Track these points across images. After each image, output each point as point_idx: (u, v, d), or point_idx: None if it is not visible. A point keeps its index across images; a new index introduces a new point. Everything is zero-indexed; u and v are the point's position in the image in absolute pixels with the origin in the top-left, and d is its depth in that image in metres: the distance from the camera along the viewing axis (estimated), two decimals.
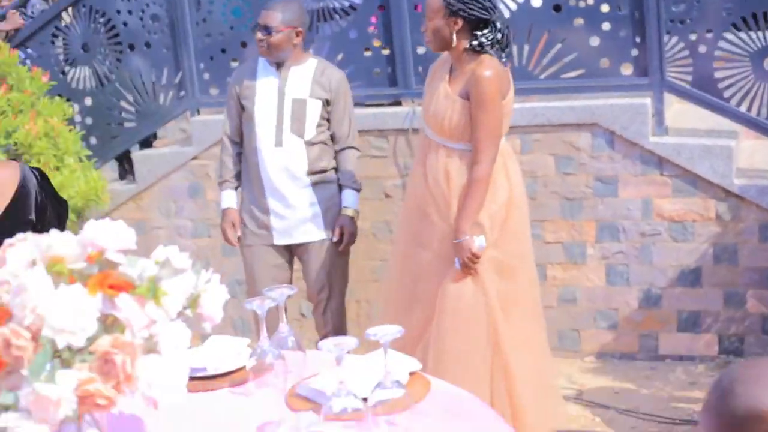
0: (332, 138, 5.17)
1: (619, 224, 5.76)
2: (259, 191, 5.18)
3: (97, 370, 2.11)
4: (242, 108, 5.18)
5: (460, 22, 4.29)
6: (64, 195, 6.00)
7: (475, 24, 4.29)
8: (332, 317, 5.31)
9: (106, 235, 2.26)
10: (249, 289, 5.32)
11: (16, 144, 6.25)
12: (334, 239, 5.15)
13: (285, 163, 5.09)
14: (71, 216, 6.23)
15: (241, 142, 5.25)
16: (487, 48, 4.29)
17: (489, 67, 4.25)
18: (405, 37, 6.20)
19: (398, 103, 6.43)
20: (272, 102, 5.11)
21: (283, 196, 5.12)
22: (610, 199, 5.77)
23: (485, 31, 4.30)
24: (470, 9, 4.26)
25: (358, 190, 5.21)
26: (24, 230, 3.60)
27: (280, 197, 5.13)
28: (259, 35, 5.05)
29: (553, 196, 5.83)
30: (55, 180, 6.15)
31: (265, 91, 5.12)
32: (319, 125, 5.10)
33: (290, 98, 5.08)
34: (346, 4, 6.40)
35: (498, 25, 4.32)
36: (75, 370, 2.12)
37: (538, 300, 4.62)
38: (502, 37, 4.33)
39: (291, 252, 5.28)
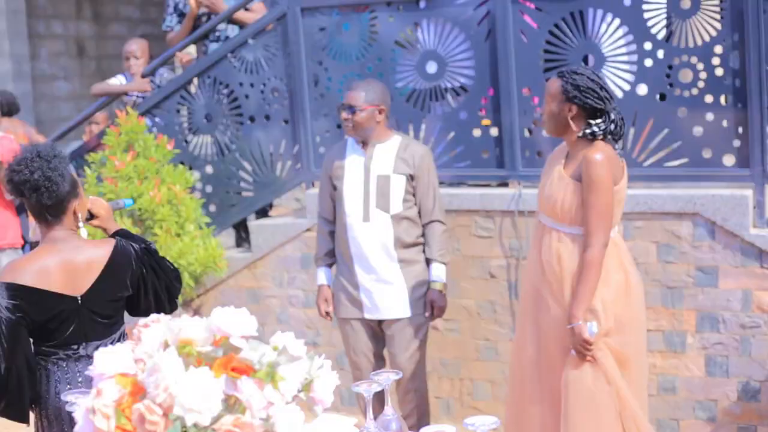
0: (419, 213, 5.36)
1: (719, 315, 5.78)
2: (350, 266, 5.41)
3: None
4: (334, 188, 5.44)
5: (575, 109, 4.43)
6: (183, 261, 6.31)
7: (590, 112, 4.44)
8: (415, 395, 5.47)
9: (231, 321, 2.46)
10: (349, 361, 5.53)
11: (140, 210, 6.57)
12: (427, 314, 5.34)
13: (372, 237, 5.31)
14: (189, 281, 6.51)
15: (334, 220, 5.49)
16: (599, 137, 4.45)
17: (601, 151, 4.37)
18: (513, 120, 6.36)
19: (505, 185, 6.56)
20: (359, 179, 5.35)
21: (372, 270, 5.34)
22: (711, 289, 5.80)
23: (599, 121, 4.44)
24: (585, 97, 4.41)
25: (444, 263, 5.37)
26: (117, 301, 3.89)
27: (368, 271, 5.36)
28: (344, 114, 5.33)
29: (654, 284, 5.88)
30: (176, 246, 6.45)
31: (353, 169, 5.37)
32: (405, 200, 5.31)
33: (375, 174, 5.31)
34: (458, 84, 6.61)
35: (612, 115, 4.46)
36: None
37: (645, 393, 4.66)
38: (616, 127, 4.46)
39: (379, 325, 5.48)
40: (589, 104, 4.41)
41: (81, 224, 3.84)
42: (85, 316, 3.80)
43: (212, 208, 7.30)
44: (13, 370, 3.71)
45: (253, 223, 7.31)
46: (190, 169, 7.12)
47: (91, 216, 3.96)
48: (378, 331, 5.49)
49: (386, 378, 3.11)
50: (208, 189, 7.35)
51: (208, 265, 6.70)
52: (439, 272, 5.35)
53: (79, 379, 3.78)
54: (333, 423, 3.39)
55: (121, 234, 3.96)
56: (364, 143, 5.38)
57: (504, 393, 6.31)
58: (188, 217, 6.70)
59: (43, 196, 3.68)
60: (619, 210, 4.51)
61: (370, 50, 6.78)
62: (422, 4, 6.61)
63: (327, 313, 5.54)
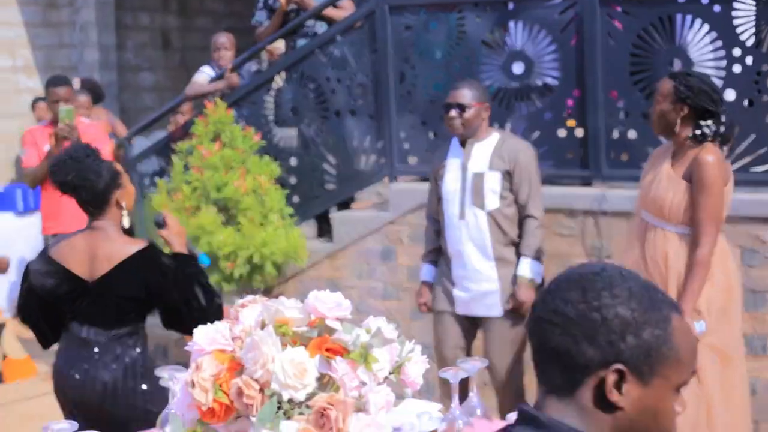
0: (517, 209, 5.38)
1: None
2: (448, 262, 5.46)
3: (313, 423, 2.40)
4: (438, 187, 5.50)
5: (687, 109, 4.46)
6: (266, 251, 6.44)
7: (700, 113, 4.47)
8: (510, 391, 5.50)
9: (327, 304, 2.55)
10: (436, 352, 5.58)
11: (225, 198, 6.71)
12: (508, 307, 5.32)
13: (468, 234, 5.35)
14: (271, 270, 6.64)
15: (439, 219, 5.55)
16: (709, 139, 4.48)
17: (712, 153, 4.41)
18: (599, 121, 6.39)
19: (588, 185, 6.59)
20: (457, 177, 5.38)
21: (467, 268, 5.36)
22: None
23: (709, 122, 4.47)
24: (698, 98, 4.44)
25: (535, 259, 5.33)
26: (128, 299, 4.01)
27: (464, 269, 5.37)
28: (453, 113, 5.31)
29: None
30: (259, 236, 6.58)
31: (452, 169, 5.41)
32: (502, 197, 5.30)
33: (471, 172, 5.34)
34: (540, 84, 6.65)
35: (722, 118, 4.49)
36: (294, 421, 2.42)
37: (747, 396, 4.66)
38: (725, 130, 4.49)
39: (473, 322, 5.51)
40: (700, 105, 4.45)
41: (125, 213, 4.03)
42: (93, 301, 3.98)
43: (295, 199, 7.41)
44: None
45: (336, 215, 7.41)
46: (275, 160, 7.24)
47: (164, 223, 4.13)
48: (469, 327, 5.50)
49: (472, 365, 3.18)
50: (292, 180, 7.46)
51: (290, 255, 6.81)
52: (524, 267, 5.30)
53: (80, 362, 4.00)
54: (418, 406, 3.49)
55: (179, 257, 4.07)
56: (464, 142, 5.41)
57: None
58: (272, 207, 6.82)
59: (81, 194, 3.95)
60: (726, 212, 4.54)
61: (457, 49, 6.85)
62: (510, 6, 6.67)
63: (424, 305, 5.61)
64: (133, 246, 3.99)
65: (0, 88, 11.71)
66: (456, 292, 5.43)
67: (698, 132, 4.48)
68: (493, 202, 5.30)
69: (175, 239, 4.12)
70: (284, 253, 6.71)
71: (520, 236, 5.36)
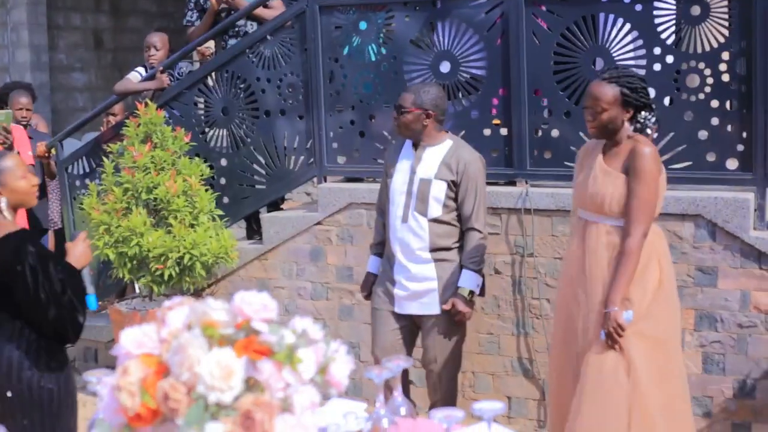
0: (458, 219, 5.43)
1: (717, 314, 5.89)
2: (390, 261, 5.53)
3: (239, 425, 2.44)
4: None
5: (632, 111, 4.59)
6: (196, 252, 6.46)
7: (639, 108, 4.61)
8: (442, 388, 5.55)
9: (253, 305, 2.59)
10: (372, 349, 5.64)
11: (156, 199, 6.70)
12: (445, 307, 5.38)
13: (408, 238, 5.41)
14: (201, 271, 6.65)
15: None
16: (647, 129, 4.59)
17: (648, 145, 4.52)
18: (523, 119, 6.48)
19: (512, 183, 6.66)
20: (405, 180, 5.44)
21: (406, 269, 5.43)
22: (709, 289, 5.90)
23: (646, 114, 4.60)
24: (641, 96, 4.58)
25: (476, 271, 5.41)
26: None
27: (403, 269, 5.45)
28: (394, 114, 5.45)
29: None
30: (189, 237, 6.59)
31: (401, 170, 5.47)
32: (445, 205, 5.37)
33: (419, 177, 5.39)
34: (469, 84, 6.72)
35: (653, 106, 4.65)
36: (221, 423, 2.46)
37: (685, 379, 4.74)
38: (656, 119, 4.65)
39: (414, 320, 5.55)
40: (642, 102, 4.57)
41: (2, 206, 4.12)
42: None
43: (225, 200, 7.43)
44: None
45: (266, 215, 7.43)
46: (205, 161, 7.24)
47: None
48: (409, 325, 5.55)
49: (396, 365, 3.24)
50: (222, 181, 7.48)
51: (220, 256, 6.82)
52: (467, 279, 5.38)
53: None
54: (344, 406, 3.54)
55: (68, 267, 4.16)
56: (416, 145, 5.47)
57: (504, 386, 6.46)
58: (202, 208, 6.82)
59: None
60: (660, 202, 4.63)
61: (386, 49, 6.91)
62: (438, 5, 6.75)
63: (366, 297, 5.75)
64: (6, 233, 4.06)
65: None
66: (395, 291, 5.49)
67: (639, 125, 4.60)
68: (435, 210, 5.37)
69: (73, 255, 4.17)
70: (214, 254, 6.72)
71: (458, 241, 5.44)
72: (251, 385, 2.53)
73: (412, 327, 5.57)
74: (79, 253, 4.19)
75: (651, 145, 4.56)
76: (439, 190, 5.36)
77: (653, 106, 4.66)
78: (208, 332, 2.54)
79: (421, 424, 3.36)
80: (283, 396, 2.52)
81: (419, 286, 5.42)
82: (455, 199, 5.39)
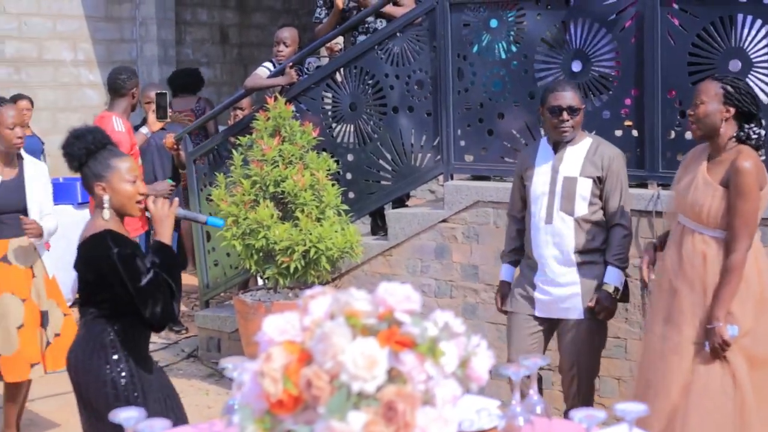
0: (604, 216, 5.34)
1: None
2: (530, 265, 5.44)
3: (381, 416, 2.43)
4: (524, 187, 5.48)
5: (732, 111, 4.49)
6: (321, 246, 6.48)
7: (744, 116, 4.50)
8: (579, 393, 5.45)
9: (396, 296, 2.58)
10: (509, 353, 5.55)
11: (283, 193, 6.76)
12: (590, 304, 5.30)
13: (554, 239, 5.32)
14: (326, 265, 6.68)
15: (523, 219, 5.53)
16: (752, 141, 4.48)
17: (749, 158, 4.42)
18: (656, 121, 6.36)
19: (643, 185, 6.56)
20: (546, 180, 5.34)
21: (550, 272, 5.34)
22: None
23: (752, 125, 4.50)
24: (745, 100, 4.48)
25: (621, 268, 5.33)
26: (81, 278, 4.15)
27: (546, 273, 5.36)
28: (566, 117, 5.28)
29: None
30: (316, 231, 6.63)
31: (542, 171, 5.37)
32: (591, 203, 5.29)
33: (562, 176, 5.30)
34: (602, 84, 6.62)
35: (763, 121, 4.54)
36: (362, 413, 2.44)
37: None
38: (765, 134, 4.54)
39: (551, 324, 5.48)
40: (746, 108, 4.46)
41: (105, 205, 4.14)
42: None
43: (351, 195, 7.45)
44: None
45: (391, 212, 7.44)
46: (332, 156, 7.27)
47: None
48: (545, 330, 5.48)
49: (534, 363, 3.19)
50: (349, 176, 7.51)
51: (345, 250, 6.85)
52: (612, 275, 5.30)
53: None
54: (479, 403, 3.50)
55: (158, 246, 4.17)
56: (556, 145, 5.38)
57: (630, 390, 6.32)
58: (329, 202, 6.86)
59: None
60: (761, 213, 4.55)
61: (516, 47, 6.85)
62: (571, 3, 6.67)
63: (501, 309, 5.62)
64: (89, 231, 4.12)
65: (62, 81, 11.89)
66: (536, 295, 5.40)
67: (742, 134, 4.50)
68: (581, 208, 5.28)
69: (159, 226, 4.19)
70: (340, 249, 6.75)
71: (603, 243, 5.35)
72: (393, 376, 2.52)
73: (548, 331, 5.50)
74: (159, 217, 4.19)
75: (753, 157, 4.46)
76: (584, 188, 5.28)
77: (763, 123, 4.54)
78: (351, 322, 2.53)
79: (557, 424, 3.31)
80: (424, 388, 2.51)
81: (562, 290, 5.34)
82: (600, 197, 5.32)
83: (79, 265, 4.15)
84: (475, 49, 7.00)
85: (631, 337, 6.36)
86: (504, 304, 5.59)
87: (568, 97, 5.28)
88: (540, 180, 5.37)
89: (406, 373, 2.49)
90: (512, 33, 6.87)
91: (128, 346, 4.11)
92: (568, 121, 5.28)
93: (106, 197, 4.12)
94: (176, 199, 4.37)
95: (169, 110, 8.02)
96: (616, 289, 5.32)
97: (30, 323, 5.84)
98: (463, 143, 7.09)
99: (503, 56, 6.92)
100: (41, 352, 5.88)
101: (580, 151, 5.34)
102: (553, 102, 5.28)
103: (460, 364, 2.64)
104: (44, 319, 5.91)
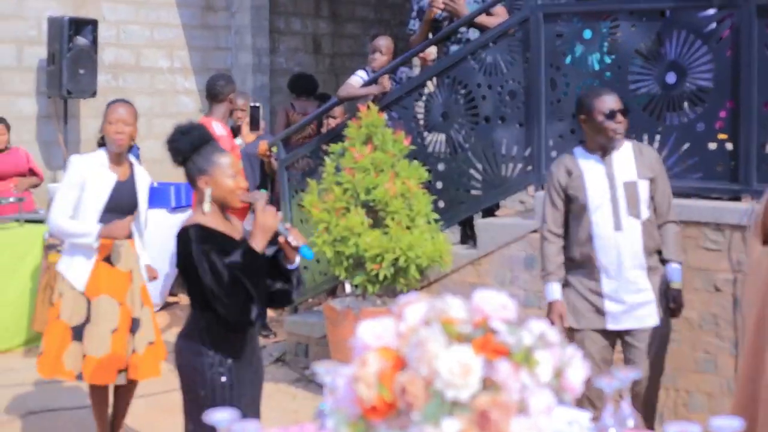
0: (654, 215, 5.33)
1: None
2: (593, 276, 5.33)
3: (475, 424, 2.44)
4: (569, 199, 5.35)
5: None
6: (411, 254, 6.50)
7: None
8: (645, 402, 5.39)
9: (492, 304, 2.59)
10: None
11: (374, 201, 6.80)
12: (672, 305, 5.29)
13: (625, 245, 5.25)
14: (415, 273, 6.70)
15: (563, 234, 5.42)
16: None
17: None
18: (752, 133, 6.29)
19: (737, 199, 6.49)
20: (604, 188, 5.27)
21: (623, 279, 5.26)
22: None
23: None
24: None
25: (679, 263, 5.35)
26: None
27: (617, 280, 5.27)
28: (620, 118, 5.23)
29: None
30: (406, 239, 6.65)
31: (594, 178, 5.29)
32: (648, 206, 5.28)
33: (621, 181, 5.26)
34: (696, 96, 6.56)
35: None
36: (456, 420, 2.46)
37: None
38: None
39: (615, 336, 5.41)
40: None
41: (206, 198, 4.25)
42: None
43: (441, 204, 7.47)
44: None
45: (481, 221, 7.45)
46: (423, 164, 7.30)
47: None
48: (613, 340, 5.42)
49: (626, 376, 3.17)
50: (439, 185, 7.53)
51: (435, 259, 6.86)
52: (675, 273, 5.31)
53: None
54: (569, 415, 3.49)
55: (245, 249, 4.18)
56: (604, 151, 5.34)
57: (719, 407, 6.25)
58: (419, 211, 6.88)
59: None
60: None
61: (610, 58, 6.82)
62: (667, 14, 6.62)
63: (566, 328, 5.43)
64: (183, 224, 4.24)
65: (159, 88, 12.11)
66: (607, 306, 5.32)
67: None
68: (645, 211, 5.26)
69: (256, 231, 4.20)
70: (429, 257, 6.77)
71: (659, 243, 5.34)
72: (487, 384, 2.53)
73: (613, 343, 5.44)
74: (261, 224, 4.24)
75: None
76: (644, 190, 5.28)
77: None
78: (446, 329, 2.55)
79: None
80: (518, 398, 2.51)
81: (636, 297, 5.28)
82: (651, 197, 5.31)
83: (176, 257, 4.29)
84: (569, 59, 6.98)
85: (722, 352, 6.29)
86: (564, 324, 5.39)
87: (616, 100, 5.27)
88: (595, 189, 5.28)
89: (501, 381, 2.49)
90: (606, 44, 6.84)
91: (218, 339, 4.23)
92: (621, 123, 5.24)
93: (208, 190, 4.25)
94: (280, 213, 4.44)
95: (261, 122, 8.14)
96: (680, 284, 5.33)
97: (123, 328, 5.85)
98: (554, 153, 7.06)
99: (596, 67, 6.89)
100: (126, 358, 5.87)
101: (627, 155, 5.32)
102: (603, 106, 5.23)
103: (554, 375, 2.64)
104: (134, 325, 5.91)
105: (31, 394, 7.25)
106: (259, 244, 4.18)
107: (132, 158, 6.13)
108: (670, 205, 5.36)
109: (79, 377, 5.83)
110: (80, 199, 5.79)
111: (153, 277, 6.15)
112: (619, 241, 5.27)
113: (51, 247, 7.99)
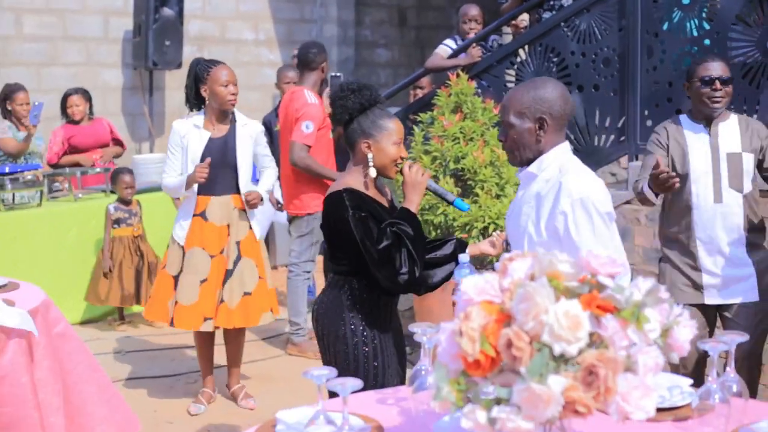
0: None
1: None
2: (691, 250, 5.18)
3: (580, 380, 2.37)
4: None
5: None
6: (501, 223, 6.42)
7: None
8: (744, 377, 5.26)
9: (600, 260, 2.51)
10: None
11: (463, 169, 6.72)
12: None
13: (725, 219, 5.10)
14: None
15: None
16: None
17: None
18: None
19: None
20: (706, 159, 5.11)
21: (722, 254, 5.11)
22: None
23: None
24: None
25: None
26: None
27: (716, 255, 5.12)
28: (718, 85, 5.05)
29: None
30: (495, 207, 6.57)
31: (697, 149, 5.12)
32: (753, 179, 5.12)
33: (724, 153, 5.09)
34: None
35: None
36: (561, 376, 2.39)
37: None
38: None
39: (715, 311, 5.27)
40: None
41: (370, 164, 4.07)
42: None
43: None
44: None
45: None
46: None
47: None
48: (711, 315, 5.28)
49: (731, 339, 3.06)
50: None
51: None
52: None
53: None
54: (668, 379, 3.40)
55: (399, 212, 4.07)
56: (708, 121, 5.17)
57: None
58: (509, 179, 6.79)
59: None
60: None
61: (709, 24, 6.66)
62: None
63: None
64: (332, 188, 4.11)
65: (243, 60, 12.14)
66: (705, 279, 5.16)
67: None
68: (747, 184, 5.09)
69: (409, 191, 4.10)
70: None
71: (762, 218, 5.16)
72: (594, 340, 2.45)
73: (713, 319, 5.29)
74: (412, 182, 4.14)
75: None
76: (749, 163, 5.08)
77: None
78: (552, 283, 2.48)
79: (753, 405, 3.18)
80: (626, 354, 2.43)
81: (736, 271, 5.13)
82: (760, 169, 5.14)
83: (322, 222, 4.18)
84: (666, 26, 6.83)
85: None
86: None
87: (719, 67, 5.06)
88: (698, 159, 5.11)
89: (608, 338, 2.42)
90: (705, 10, 6.67)
91: (365, 308, 4.07)
92: (719, 90, 5.04)
93: (370, 155, 4.07)
94: (428, 171, 4.32)
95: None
96: None
97: (213, 279, 6.11)
98: (649, 123, 6.92)
99: (695, 33, 6.74)
100: (215, 307, 6.10)
101: (733, 127, 5.13)
102: (703, 72, 5.05)
103: (661, 333, 2.55)
104: (227, 276, 6.12)
105: (121, 360, 7.32)
106: (413, 203, 4.08)
107: (239, 115, 6.32)
108: None
109: (171, 323, 6.20)
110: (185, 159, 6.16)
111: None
112: (719, 214, 5.11)
113: (119, 221, 8.06)
